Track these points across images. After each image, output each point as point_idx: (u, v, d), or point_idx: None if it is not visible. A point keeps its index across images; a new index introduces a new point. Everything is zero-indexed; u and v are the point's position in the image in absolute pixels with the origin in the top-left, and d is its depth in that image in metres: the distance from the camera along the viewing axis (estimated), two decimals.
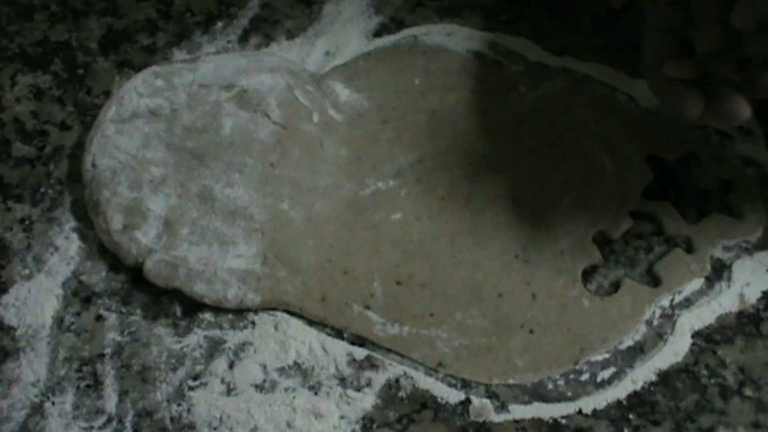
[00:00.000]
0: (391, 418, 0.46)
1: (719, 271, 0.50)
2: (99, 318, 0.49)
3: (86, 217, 0.51)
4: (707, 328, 0.48)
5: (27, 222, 0.52)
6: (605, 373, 0.47)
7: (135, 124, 0.53)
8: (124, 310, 0.49)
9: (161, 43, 0.59)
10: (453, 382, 0.47)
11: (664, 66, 0.46)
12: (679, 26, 0.47)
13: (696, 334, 0.48)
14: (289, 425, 0.46)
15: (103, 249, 0.51)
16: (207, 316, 0.49)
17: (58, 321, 0.49)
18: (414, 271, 0.49)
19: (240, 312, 0.49)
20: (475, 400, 0.46)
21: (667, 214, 0.51)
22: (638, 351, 0.48)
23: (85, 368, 0.47)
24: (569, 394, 0.47)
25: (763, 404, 0.46)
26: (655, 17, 0.48)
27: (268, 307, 0.49)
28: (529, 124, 0.54)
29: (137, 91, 0.54)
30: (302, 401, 0.46)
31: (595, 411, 0.46)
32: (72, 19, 0.60)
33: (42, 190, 0.53)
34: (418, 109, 0.54)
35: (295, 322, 0.49)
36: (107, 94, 0.56)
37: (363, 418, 0.46)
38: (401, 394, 0.47)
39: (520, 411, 0.46)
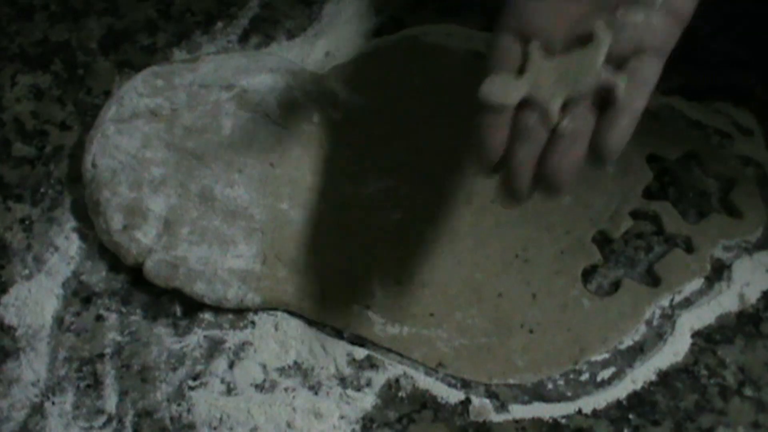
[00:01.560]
0: (391, 418, 0.46)
1: (719, 271, 0.50)
2: (99, 318, 0.49)
3: (86, 217, 0.51)
4: (707, 328, 0.48)
5: (27, 222, 0.52)
6: (605, 373, 0.47)
7: (135, 124, 0.53)
8: (124, 310, 0.49)
9: (161, 43, 0.59)
10: (453, 382, 0.47)
11: (483, 84, 0.40)
12: (542, 30, 0.41)
13: (696, 334, 0.48)
14: (289, 425, 0.46)
15: (103, 249, 0.51)
16: (207, 316, 0.49)
17: (58, 321, 0.49)
18: (414, 271, 0.49)
19: (240, 312, 0.49)
20: (475, 400, 0.46)
21: (667, 214, 0.51)
22: (638, 351, 0.48)
23: (85, 368, 0.47)
24: (569, 394, 0.47)
25: (763, 404, 0.46)
26: (514, 12, 0.42)
27: (268, 307, 0.49)
28: None
29: (137, 91, 0.54)
30: (302, 401, 0.46)
31: (595, 411, 0.46)
32: (72, 19, 0.60)
33: (42, 190, 0.53)
34: (418, 109, 0.54)
35: (295, 322, 0.49)
36: (107, 94, 0.56)
37: (363, 418, 0.46)
38: (401, 394, 0.47)
39: (520, 411, 0.46)
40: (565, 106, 0.39)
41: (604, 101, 0.39)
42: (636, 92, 0.39)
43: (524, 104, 0.40)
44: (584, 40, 0.40)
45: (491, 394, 0.47)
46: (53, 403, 0.46)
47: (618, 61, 0.40)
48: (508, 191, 0.39)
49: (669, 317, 0.49)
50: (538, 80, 0.40)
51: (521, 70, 0.40)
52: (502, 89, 0.40)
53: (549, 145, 0.39)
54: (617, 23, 0.40)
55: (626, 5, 0.40)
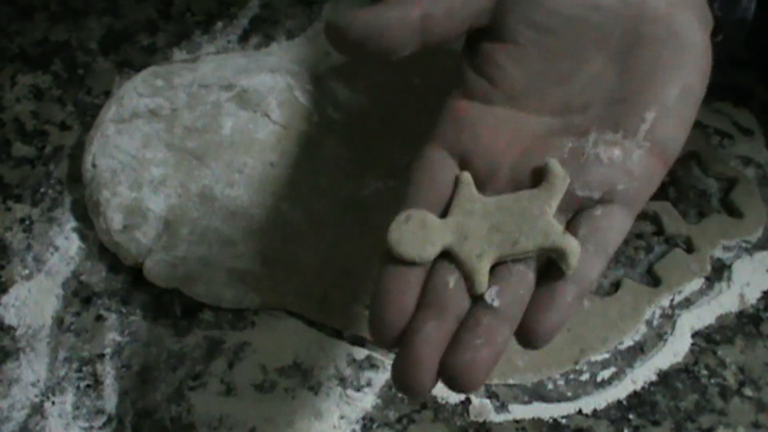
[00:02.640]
0: (391, 418, 0.46)
1: (719, 271, 0.50)
2: (99, 318, 0.49)
3: (86, 217, 0.51)
4: (707, 328, 0.48)
5: (27, 222, 0.52)
6: (605, 373, 0.47)
7: (135, 124, 0.53)
8: (124, 310, 0.49)
9: (161, 43, 0.59)
10: None
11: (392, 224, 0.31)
12: (485, 151, 0.32)
13: (696, 334, 0.48)
14: (288, 425, 0.46)
15: (103, 249, 0.51)
16: (207, 316, 0.49)
17: (58, 321, 0.49)
18: None
19: (240, 312, 0.49)
20: (475, 400, 0.46)
21: (667, 214, 0.51)
22: (638, 351, 0.48)
23: (85, 368, 0.47)
24: (569, 394, 0.47)
25: (763, 404, 0.46)
26: (453, 117, 0.33)
27: (267, 307, 0.49)
28: None
29: (137, 91, 0.54)
30: (302, 401, 0.46)
31: (595, 411, 0.46)
32: (72, 19, 0.60)
33: (42, 190, 0.53)
34: (418, 109, 0.54)
35: (295, 322, 0.49)
36: (107, 94, 0.56)
37: (363, 418, 0.46)
38: (401, 394, 0.47)
39: (520, 411, 0.46)
40: (495, 267, 0.31)
41: (545, 264, 0.32)
42: (591, 259, 0.31)
43: (444, 255, 0.31)
44: (537, 174, 0.32)
45: (491, 394, 0.47)
46: (53, 403, 0.46)
47: (576, 209, 0.32)
48: (404, 380, 0.30)
49: (669, 317, 0.49)
50: (465, 228, 0.31)
51: (447, 208, 0.32)
52: (416, 238, 0.31)
53: (467, 323, 0.30)
54: (584, 156, 0.32)
55: (600, 130, 0.32)
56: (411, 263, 0.31)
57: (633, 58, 0.33)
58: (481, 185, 0.33)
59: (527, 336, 0.31)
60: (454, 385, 0.30)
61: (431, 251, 0.31)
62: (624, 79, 0.33)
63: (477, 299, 0.31)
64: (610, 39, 0.33)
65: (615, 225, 0.32)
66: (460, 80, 0.35)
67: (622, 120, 0.32)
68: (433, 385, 0.30)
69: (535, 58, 0.33)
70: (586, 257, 0.31)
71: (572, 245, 0.31)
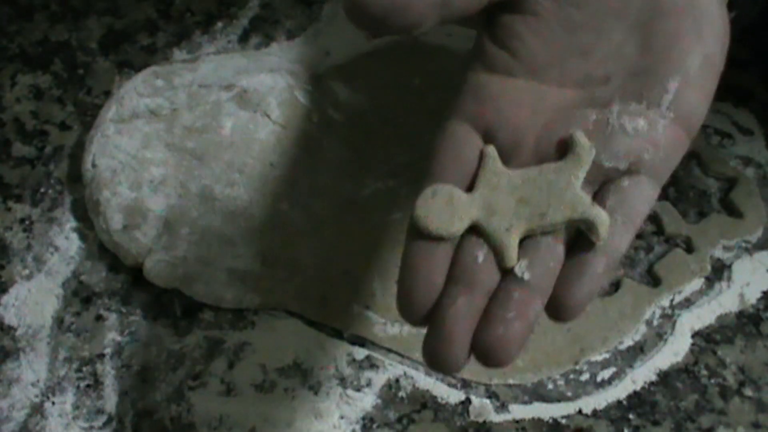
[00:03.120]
0: (391, 418, 0.46)
1: (719, 271, 0.50)
2: (99, 318, 0.49)
3: (86, 217, 0.51)
4: (707, 328, 0.48)
5: (27, 222, 0.52)
6: (605, 373, 0.47)
7: (135, 124, 0.53)
8: (124, 310, 0.49)
9: (161, 43, 0.59)
10: (453, 382, 0.47)
11: (419, 197, 0.31)
12: (508, 123, 0.32)
13: (696, 334, 0.48)
14: (288, 425, 0.46)
15: (103, 249, 0.51)
16: (207, 316, 0.49)
17: (58, 321, 0.49)
18: None
19: (240, 312, 0.49)
20: (475, 400, 0.46)
21: (667, 214, 0.51)
22: (638, 351, 0.48)
23: (85, 368, 0.47)
24: (569, 394, 0.47)
25: (763, 404, 0.46)
26: (475, 91, 0.33)
27: (267, 307, 0.49)
28: None
29: (137, 91, 0.54)
30: (302, 401, 0.46)
31: (595, 411, 0.46)
32: (72, 19, 0.60)
33: (42, 190, 0.53)
34: (418, 109, 0.54)
35: (295, 322, 0.49)
36: (107, 94, 0.56)
37: (363, 418, 0.46)
38: (401, 394, 0.47)
39: (520, 411, 0.46)
40: (524, 241, 0.31)
41: (574, 236, 0.31)
42: (620, 230, 0.31)
43: (471, 230, 0.31)
44: (562, 147, 0.32)
45: (491, 394, 0.47)
46: (53, 403, 0.46)
47: (603, 180, 0.32)
48: (437, 357, 0.30)
49: (669, 317, 0.49)
50: (493, 202, 0.31)
51: (473, 183, 0.32)
52: (444, 213, 0.31)
53: (498, 297, 0.30)
54: (609, 127, 0.32)
55: (624, 101, 0.32)
56: (438, 239, 0.31)
57: (653, 29, 0.33)
58: (506, 158, 0.32)
59: (558, 308, 0.31)
60: (487, 361, 0.30)
61: (459, 226, 0.31)
62: (645, 50, 0.33)
63: (507, 273, 0.31)
64: (630, 10, 0.33)
65: (642, 195, 0.32)
66: (481, 54, 0.34)
67: (645, 91, 0.32)
68: (466, 361, 0.30)
69: (555, 30, 0.33)
70: (614, 228, 0.31)
71: (601, 216, 0.31)
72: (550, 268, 0.31)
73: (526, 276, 0.30)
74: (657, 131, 0.32)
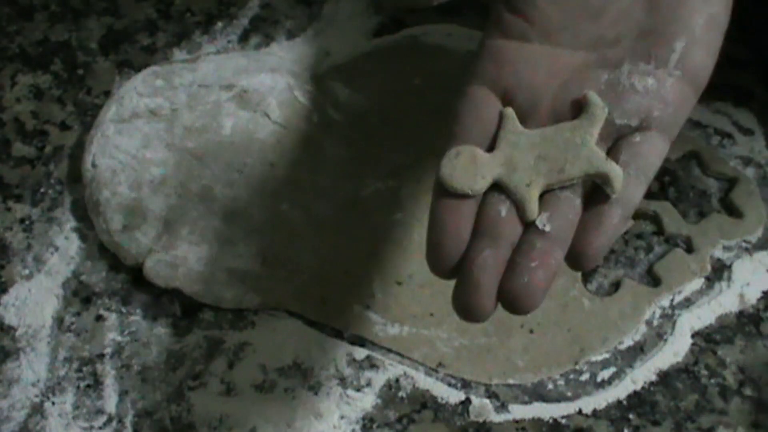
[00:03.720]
0: (391, 418, 0.46)
1: (719, 271, 0.50)
2: (99, 318, 0.49)
3: (86, 217, 0.51)
4: (707, 328, 0.48)
5: (27, 222, 0.52)
6: (605, 373, 0.47)
7: (135, 124, 0.53)
8: (124, 310, 0.49)
9: (161, 43, 0.59)
10: (453, 382, 0.47)
11: (444, 158, 0.33)
12: (525, 85, 0.34)
13: (696, 334, 0.48)
14: (288, 425, 0.46)
15: (103, 249, 0.51)
16: (207, 316, 0.49)
17: (58, 321, 0.49)
18: (414, 271, 0.49)
19: (240, 312, 0.49)
20: (475, 400, 0.46)
21: (667, 214, 0.51)
22: (638, 351, 0.48)
23: (85, 368, 0.47)
24: (569, 394, 0.47)
25: (763, 404, 0.46)
26: (492, 55, 0.35)
27: (267, 307, 0.49)
28: None
29: (137, 91, 0.54)
30: (302, 401, 0.46)
31: (595, 411, 0.46)
32: (72, 19, 0.60)
33: (42, 190, 0.53)
34: (418, 109, 0.54)
35: (295, 322, 0.49)
36: (107, 94, 0.56)
37: (363, 418, 0.46)
38: (401, 394, 0.47)
39: (520, 411, 0.46)
40: (544, 195, 0.33)
41: (590, 190, 0.33)
42: (633, 182, 0.33)
43: (493, 187, 0.33)
44: (576, 106, 0.34)
45: (491, 394, 0.47)
46: (53, 403, 0.46)
47: (616, 137, 0.34)
48: (466, 306, 0.32)
49: (669, 317, 0.49)
50: (513, 160, 0.33)
51: (493, 143, 0.34)
52: (467, 172, 0.33)
53: (521, 248, 0.32)
54: (620, 86, 0.34)
55: (633, 62, 0.34)
56: (463, 196, 0.33)
57: None
58: (524, 119, 0.34)
59: (578, 257, 0.33)
60: (514, 308, 0.32)
61: (482, 183, 0.33)
62: (652, 12, 0.35)
63: (528, 226, 0.33)
64: None
65: (653, 150, 0.33)
66: (497, 22, 0.36)
67: (653, 51, 0.34)
68: (493, 309, 0.32)
69: None
70: (628, 181, 0.33)
71: (615, 170, 0.33)
72: (569, 219, 0.33)
73: (547, 228, 0.32)
74: (665, 89, 0.34)
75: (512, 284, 0.32)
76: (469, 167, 0.33)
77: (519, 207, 0.33)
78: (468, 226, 0.33)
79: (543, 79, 0.34)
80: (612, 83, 0.34)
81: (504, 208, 0.33)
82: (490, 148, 0.34)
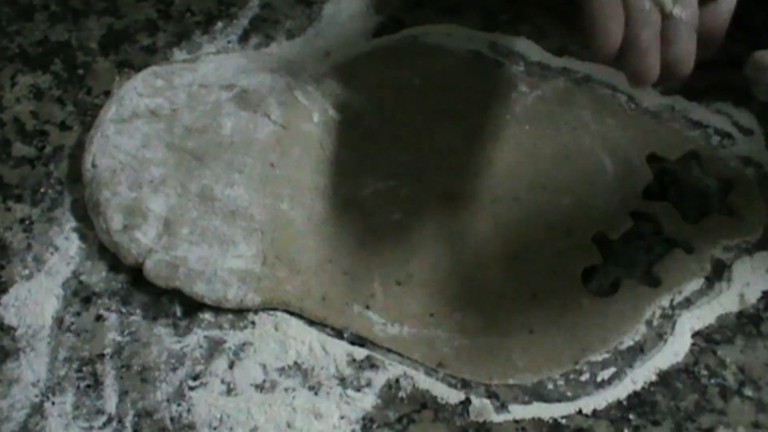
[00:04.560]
0: (391, 418, 0.46)
1: (719, 271, 0.50)
2: (99, 318, 0.49)
3: (86, 217, 0.51)
4: (707, 328, 0.48)
5: (27, 222, 0.52)
6: (605, 373, 0.47)
7: (135, 124, 0.53)
8: (124, 310, 0.49)
9: (161, 43, 0.59)
10: (453, 382, 0.47)
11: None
12: None
13: (696, 334, 0.48)
14: (289, 425, 0.46)
15: (103, 249, 0.51)
16: (207, 316, 0.49)
17: (58, 321, 0.49)
18: (414, 271, 0.49)
19: (240, 312, 0.49)
20: (475, 400, 0.46)
21: (667, 214, 0.51)
22: (638, 351, 0.48)
23: (85, 368, 0.47)
24: (569, 394, 0.47)
25: (763, 404, 0.46)
26: None
27: (268, 307, 0.49)
28: (530, 124, 0.54)
29: (137, 91, 0.54)
30: (302, 401, 0.46)
31: (595, 411, 0.46)
32: (72, 19, 0.60)
33: (42, 190, 0.53)
34: (418, 109, 0.55)
35: (295, 322, 0.49)
36: (107, 94, 0.56)
37: (363, 418, 0.46)
38: (401, 394, 0.47)
39: (520, 411, 0.46)
40: None
41: None
42: None
43: None
44: None
45: (491, 394, 0.47)
46: (53, 403, 0.46)
47: None
48: (638, 71, 0.40)
49: (669, 317, 0.49)
50: None
51: None
52: None
53: (667, 32, 0.41)
54: None
55: None
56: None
57: None
58: None
59: (706, 35, 0.42)
60: (673, 71, 0.41)
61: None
62: None
63: (666, 18, 0.41)
64: None
65: None
66: None
67: None
68: (658, 73, 0.41)
69: None
70: None
71: None
72: (695, 10, 0.42)
73: (683, 16, 0.41)
74: None
75: (669, 53, 0.41)
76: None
77: (657, 2, 0.41)
78: (621, 16, 0.41)
79: None
80: None
81: (647, 3, 0.41)
82: None
